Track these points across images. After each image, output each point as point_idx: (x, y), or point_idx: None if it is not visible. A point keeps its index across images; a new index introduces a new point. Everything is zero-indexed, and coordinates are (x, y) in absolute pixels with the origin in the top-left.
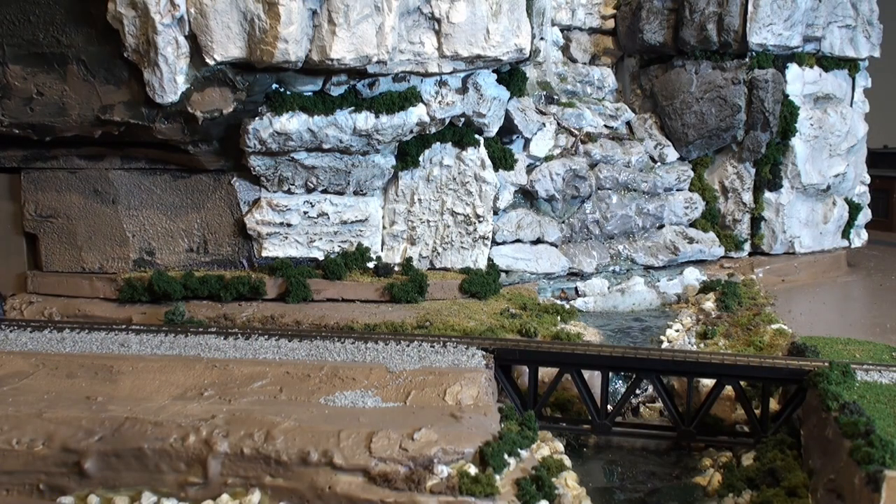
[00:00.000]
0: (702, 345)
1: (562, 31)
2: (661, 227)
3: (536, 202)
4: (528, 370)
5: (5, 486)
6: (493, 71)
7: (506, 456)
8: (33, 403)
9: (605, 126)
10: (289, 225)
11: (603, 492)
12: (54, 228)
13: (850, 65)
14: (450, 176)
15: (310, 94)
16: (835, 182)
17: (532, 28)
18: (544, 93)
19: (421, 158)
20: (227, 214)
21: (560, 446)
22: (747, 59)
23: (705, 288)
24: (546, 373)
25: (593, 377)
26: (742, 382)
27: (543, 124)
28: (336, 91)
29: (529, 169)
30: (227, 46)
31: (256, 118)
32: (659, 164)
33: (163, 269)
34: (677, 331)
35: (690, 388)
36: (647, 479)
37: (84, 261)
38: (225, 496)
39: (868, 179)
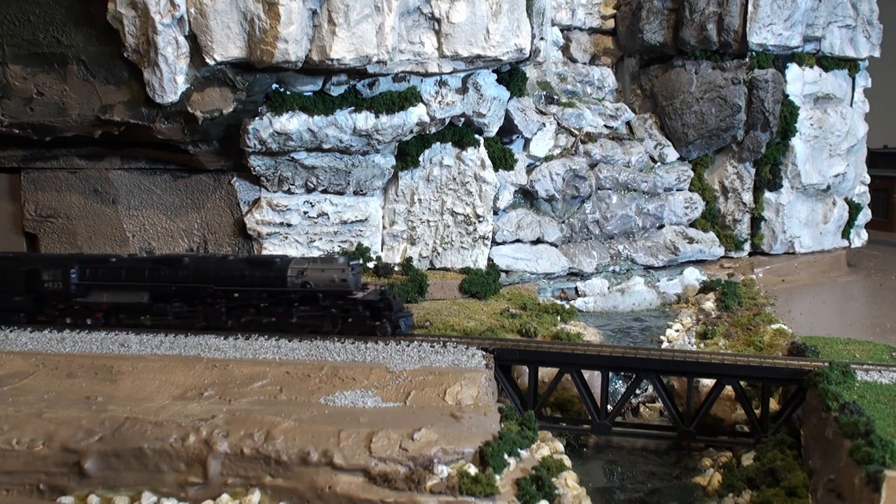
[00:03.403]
0: (702, 345)
1: (562, 31)
2: (661, 227)
3: (536, 202)
4: (528, 370)
5: (5, 486)
6: (493, 71)
7: (506, 456)
8: (33, 403)
9: (605, 126)
10: (289, 225)
11: (603, 492)
12: (54, 228)
13: (850, 65)
14: (450, 176)
15: (310, 94)
16: (835, 182)
17: (532, 28)
18: (544, 93)
19: (421, 158)
20: (227, 214)
21: (560, 446)
22: (747, 59)
23: (705, 288)
24: (546, 373)
25: (593, 377)
26: (742, 382)
27: (543, 124)
28: (336, 91)
29: (529, 169)
30: (227, 46)
31: (256, 118)
32: (659, 164)
33: None
34: (677, 331)
35: (690, 388)
36: (647, 479)
37: None
38: (225, 496)
39: (868, 179)
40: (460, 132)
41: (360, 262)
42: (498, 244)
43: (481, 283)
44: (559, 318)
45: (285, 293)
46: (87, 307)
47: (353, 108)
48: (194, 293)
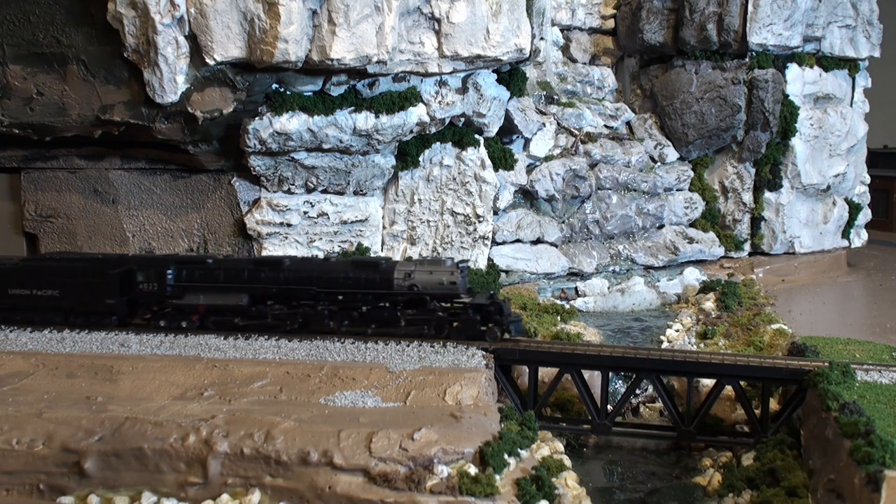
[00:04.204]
0: (702, 345)
1: (562, 31)
2: (661, 227)
3: (536, 202)
4: (528, 370)
5: (5, 486)
6: (493, 71)
7: (506, 456)
8: (33, 403)
9: (605, 126)
10: (289, 225)
11: (603, 492)
12: (54, 228)
13: (850, 65)
14: (450, 176)
15: (310, 94)
16: (835, 182)
17: (532, 28)
18: (544, 93)
19: (421, 158)
20: (227, 214)
21: (560, 446)
22: (747, 59)
23: (705, 288)
24: (546, 373)
25: (593, 377)
26: (742, 382)
27: (543, 124)
28: (336, 91)
29: (529, 169)
30: (227, 46)
31: (256, 118)
32: (659, 164)
33: None
34: (677, 331)
35: (690, 388)
36: (647, 479)
37: None
38: (225, 496)
39: (868, 179)
40: (460, 132)
41: (469, 264)
42: (498, 244)
43: (481, 283)
44: (559, 318)
45: (392, 296)
46: (183, 309)
47: (353, 108)
48: (295, 296)
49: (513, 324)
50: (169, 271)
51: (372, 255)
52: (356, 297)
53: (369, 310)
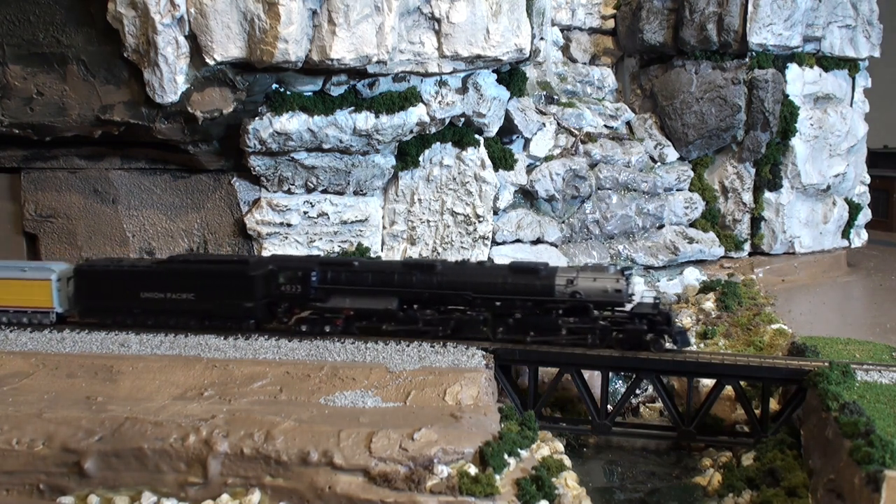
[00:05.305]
0: (702, 345)
1: (562, 31)
2: (661, 227)
3: (536, 202)
4: (528, 370)
5: (5, 486)
6: (493, 71)
7: (506, 456)
8: (33, 403)
9: (605, 126)
10: (289, 225)
11: (603, 492)
12: (54, 228)
13: (850, 65)
14: (450, 176)
15: (310, 94)
16: (835, 182)
17: (532, 28)
18: (544, 93)
19: (421, 158)
20: (227, 214)
21: (560, 446)
22: (747, 59)
23: (705, 288)
24: (546, 373)
25: (593, 377)
26: (742, 382)
27: (543, 124)
28: (336, 91)
29: (529, 169)
30: (227, 46)
31: (256, 118)
32: (659, 164)
33: None
34: None
35: (690, 388)
36: (647, 479)
37: None
38: (225, 496)
39: (868, 179)
40: (460, 132)
41: (632, 270)
42: (498, 244)
43: None
44: None
45: (553, 303)
46: (329, 313)
47: (353, 108)
48: (449, 300)
49: (679, 335)
50: (313, 273)
51: (372, 255)
52: (514, 304)
53: (525, 316)
